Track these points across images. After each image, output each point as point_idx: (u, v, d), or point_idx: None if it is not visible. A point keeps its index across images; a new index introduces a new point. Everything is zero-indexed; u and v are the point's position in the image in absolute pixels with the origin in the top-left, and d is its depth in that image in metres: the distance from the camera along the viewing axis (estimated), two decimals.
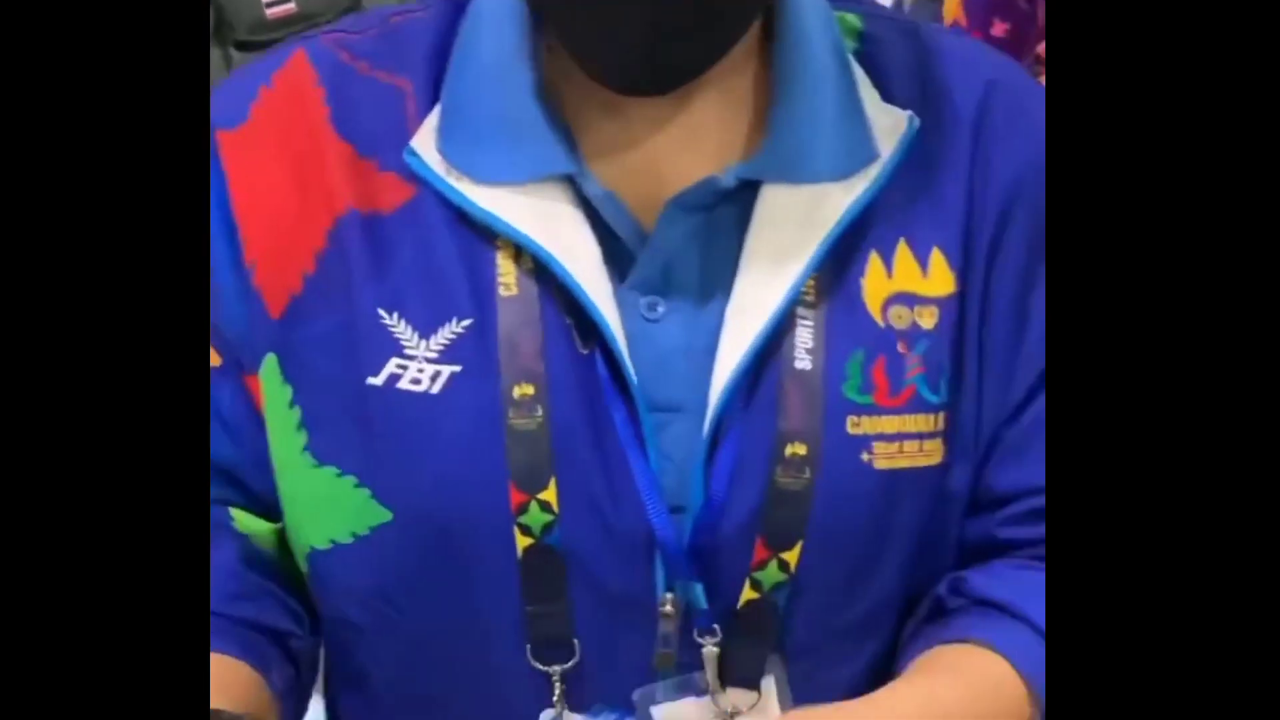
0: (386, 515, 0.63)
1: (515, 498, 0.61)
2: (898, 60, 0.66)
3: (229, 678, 0.62)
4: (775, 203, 0.62)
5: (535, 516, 0.61)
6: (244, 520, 0.66)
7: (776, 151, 0.62)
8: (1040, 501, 0.64)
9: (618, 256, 0.62)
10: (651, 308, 0.62)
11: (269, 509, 0.66)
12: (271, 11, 1.56)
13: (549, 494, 0.61)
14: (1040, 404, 0.64)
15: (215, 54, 1.59)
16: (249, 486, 0.65)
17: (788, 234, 0.61)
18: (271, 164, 0.63)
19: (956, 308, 0.63)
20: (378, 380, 0.61)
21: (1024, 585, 0.63)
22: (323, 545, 0.64)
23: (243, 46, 1.57)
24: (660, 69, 0.58)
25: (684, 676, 0.63)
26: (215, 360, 0.64)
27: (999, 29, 2.72)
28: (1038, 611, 0.61)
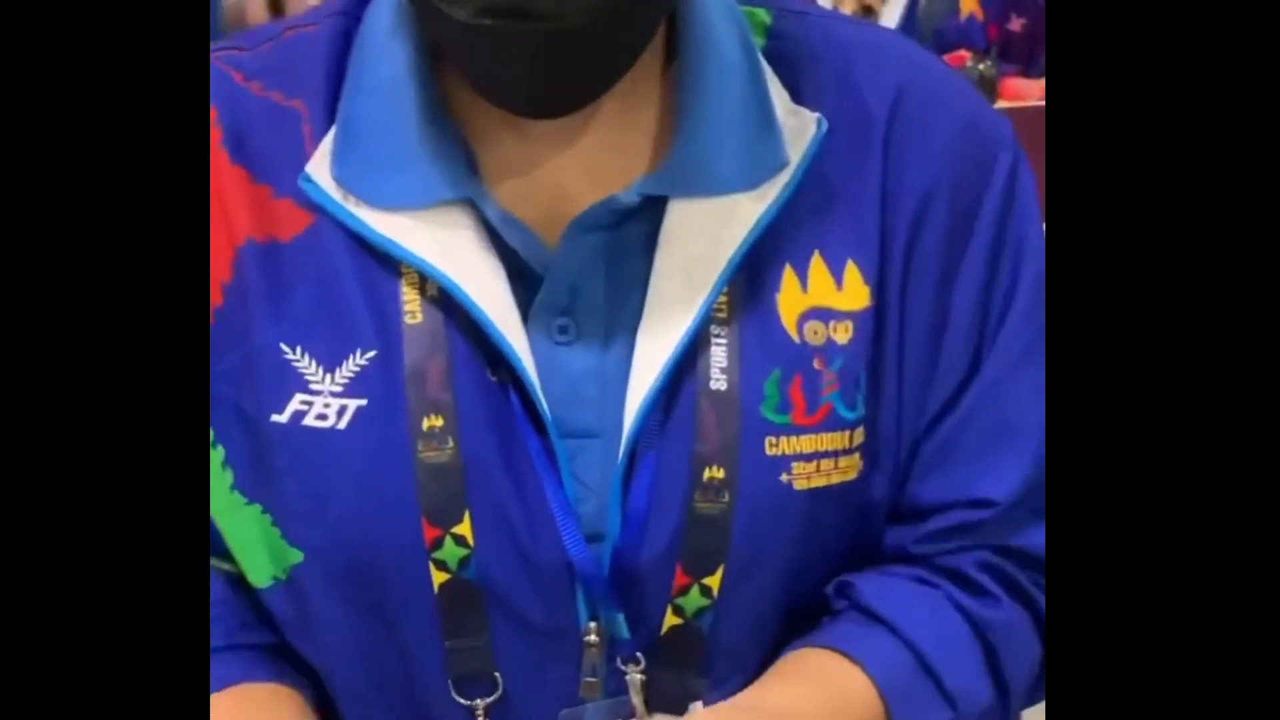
0: (298, 556, 0.61)
1: (429, 533, 0.59)
2: (809, 60, 0.64)
3: (272, 702, 0.61)
4: (682, 217, 0.60)
5: (450, 551, 0.59)
6: (217, 565, 0.65)
7: (681, 164, 0.60)
8: (953, 518, 0.63)
9: (524, 280, 0.60)
10: (561, 331, 0.60)
11: (225, 551, 0.64)
12: None
13: (463, 528, 0.59)
14: (959, 412, 0.63)
15: None
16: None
17: (697, 249, 0.60)
18: None
19: (872, 321, 0.62)
20: (282, 417, 0.60)
21: (906, 598, 0.62)
22: (265, 584, 0.63)
23: None
24: (552, 96, 0.56)
25: (612, 700, 0.62)
26: None
27: (1016, 24, 2.70)
28: (913, 627, 0.61)
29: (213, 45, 0.65)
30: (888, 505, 0.65)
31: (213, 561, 0.65)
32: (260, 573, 0.63)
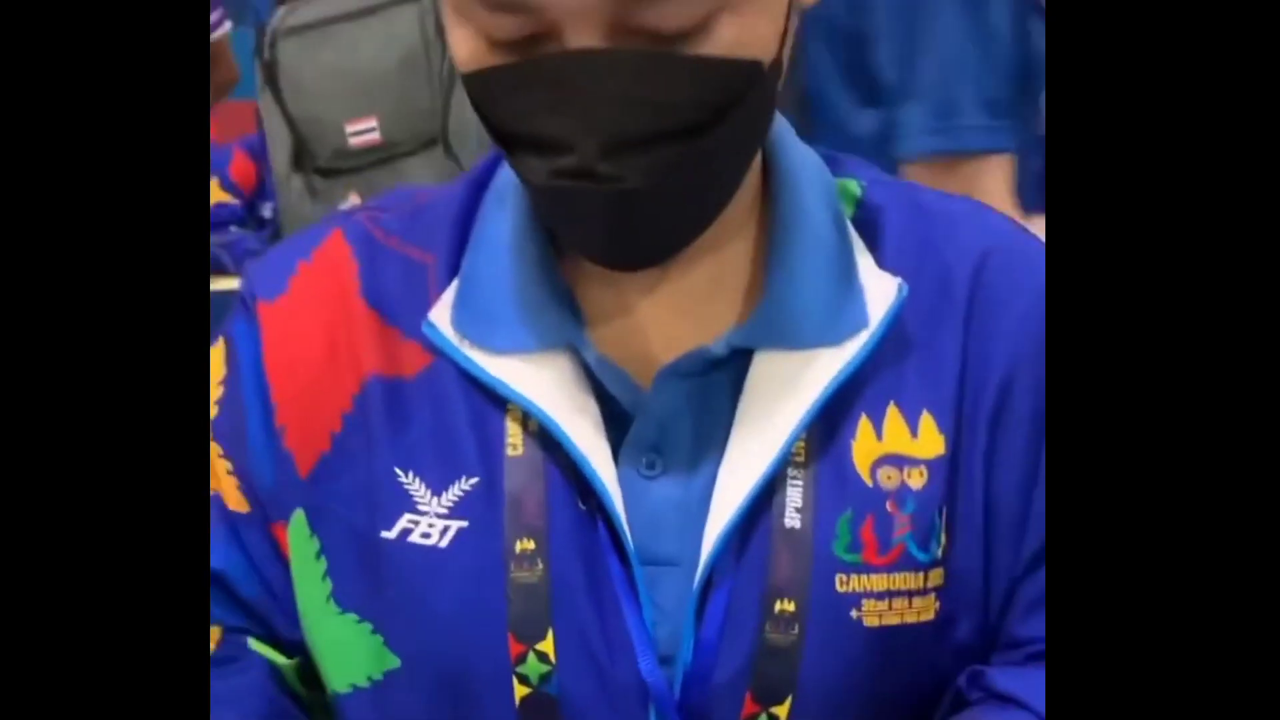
0: (395, 661, 0.66)
1: (514, 648, 0.63)
2: (895, 227, 0.68)
3: None
4: (766, 368, 0.64)
5: (533, 666, 0.63)
6: (262, 649, 0.70)
7: (769, 319, 0.65)
8: None
9: (617, 416, 0.65)
10: (649, 466, 0.65)
11: (288, 647, 0.70)
12: (355, 140, 1.63)
13: (547, 645, 0.63)
14: None
15: (297, 180, 1.66)
16: (271, 625, 0.70)
17: (778, 398, 0.64)
18: (305, 334, 0.68)
19: (946, 469, 0.65)
20: (391, 534, 0.66)
21: (1040, 682, 0.63)
22: (344, 689, 0.68)
23: (324, 173, 1.64)
24: (627, 251, 0.61)
25: None
26: (244, 507, 0.69)
27: None
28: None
29: (359, 207, 0.74)
30: (972, 652, 0.66)
31: (262, 651, 0.70)
32: (340, 678, 0.68)
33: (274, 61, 1.64)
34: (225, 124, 3.33)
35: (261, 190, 2.60)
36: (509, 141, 0.59)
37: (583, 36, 0.54)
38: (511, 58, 0.56)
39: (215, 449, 0.70)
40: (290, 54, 1.63)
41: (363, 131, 1.62)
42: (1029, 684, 0.64)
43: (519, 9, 0.54)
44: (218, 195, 2.62)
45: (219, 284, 2.61)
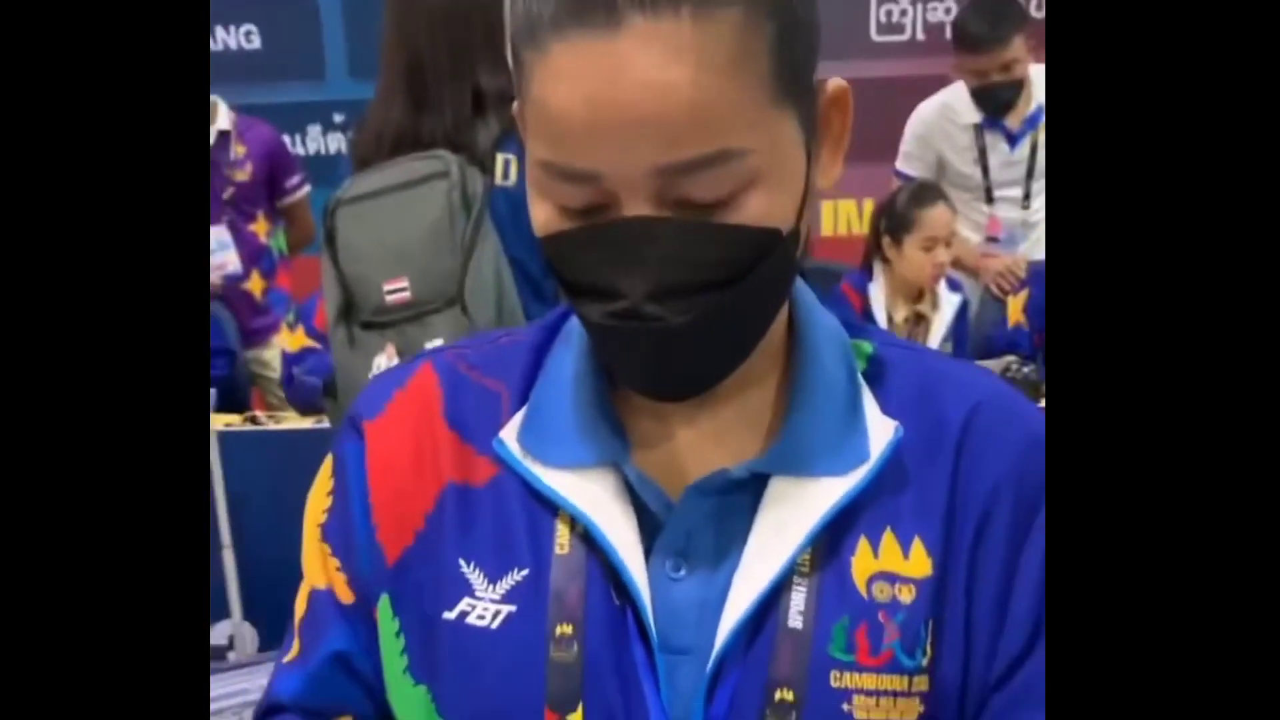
0: None
1: (549, 718, 0.73)
2: (900, 379, 0.80)
3: None
4: (780, 490, 0.75)
5: None
6: None
7: (784, 451, 0.76)
8: None
9: (651, 525, 0.76)
10: (675, 568, 0.75)
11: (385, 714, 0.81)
12: (390, 298, 1.78)
13: (576, 717, 0.73)
14: (1023, 673, 0.74)
15: (341, 332, 1.81)
16: (375, 694, 0.81)
17: (789, 516, 0.75)
18: (397, 446, 0.81)
19: (933, 588, 0.74)
20: (451, 615, 0.77)
21: None
22: None
23: (365, 326, 1.80)
24: (668, 383, 0.72)
25: None
26: (351, 598, 0.81)
27: None
28: None
29: (446, 347, 0.87)
30: None
31: None
32: None
33: (333, 226, 1.81)
34: (300, 277, 3.53)
35: None
36: (574, 290, 0.71)
37: (636, 205, 0.66)
38: (579, 223, 0.69)
39: (325, 549, 0.82)
40: (346, 220, 1.80)
41: (397, 290, 1.78)
42: None
43: (584, 179, 0.66)
44: (302, 341, 2.79)
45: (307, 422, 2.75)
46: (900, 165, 3.47)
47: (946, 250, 2.96)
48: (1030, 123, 3.27)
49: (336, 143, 4.73)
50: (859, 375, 0.79)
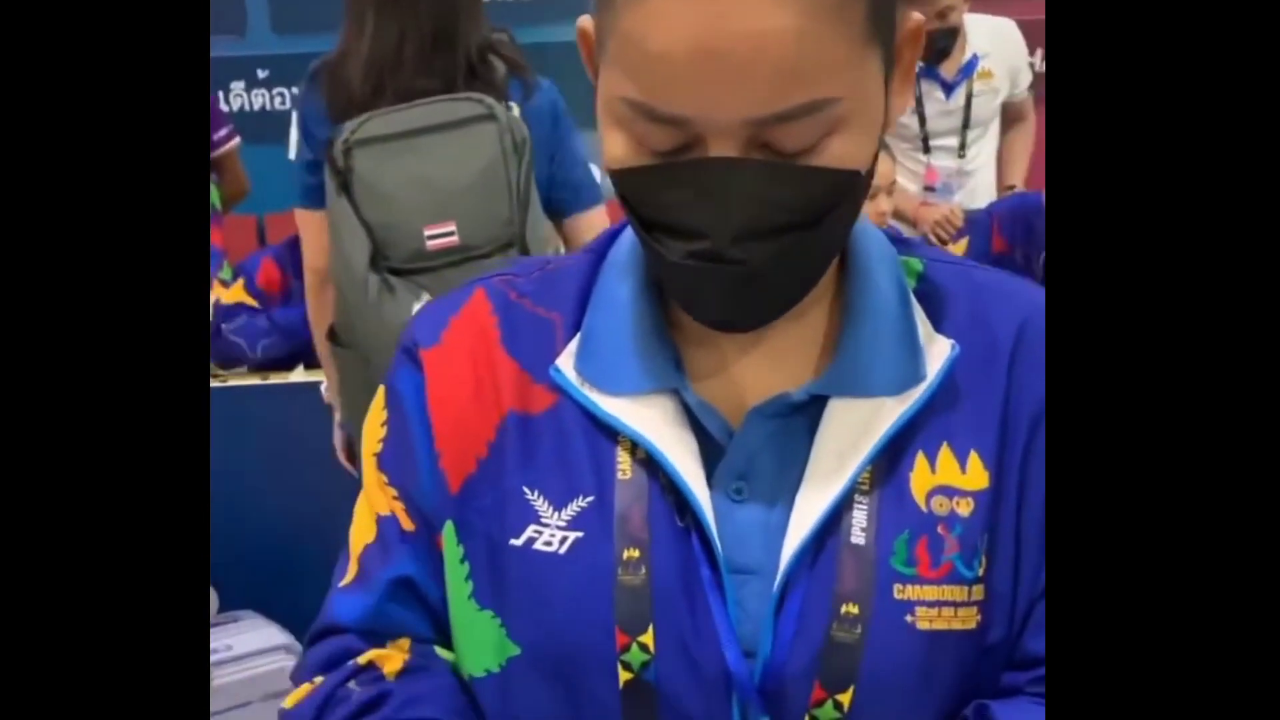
0: (516, 649, 0.78)
1: (620, 639, 0.75)
2: (950, 297, 0.81)
3: None
4: (839, 412, 0.77)
5: (635, 655, 0.75)
6: (446, 655, 0.83)
7: (842, 372, 0.77)
8: None
9: (710, 449, 0.78)
10: (737, 491, 0.77)
11: (446, 637, 0.83)
12: (433, 244, 1.75)
13: (647, 638, 0.75)
14: None
15: (374, 279, 1.76)
16: (439, 617, 0.83)
17: (848, 437, 0.76)
18: (457, 374, 0.81)
19: (990, 499, 0.77)
20: (518, 542, 0.78)
21: (1035, 715, 0.74)
22: (479, 674, 0.80)
23: (398, 273, 1.75)
24: (738, 319, 0.74)
25: None
26: (411, 526, 0.82)
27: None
28: None
29: (493, 273, 0.87)
30: (1003, 655, 0.78)
31: (448, 655, 0.83)
32: (476, 664, 0.80)
33: (349, 170, 1.76)
34: (233, 235, 3.48)
35: (287, 298, 2.72)
36: (651, 225, 0.71)
37: (722, 147, 0.67)
38: (659, 159, 0.69)
39: (381, 478, 0.83)
40: (370, 162, 1.76)
41: (441, 235, 1.75)
42: (1024, 716, 0.75)
43: (678, 123, 0.67)
44: (239, 296, 2.74)
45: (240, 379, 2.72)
46: None
47: (888, 199, 3.00)
48: (965, 72, 3.31)
49: (261, 99, 4.65)
50: (910, 294, 0.81)
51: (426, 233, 1.75)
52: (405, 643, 0.83)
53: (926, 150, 3.34)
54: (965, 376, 0.78)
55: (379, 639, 0.83)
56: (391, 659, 0.82)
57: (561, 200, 2.09)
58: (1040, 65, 4.03)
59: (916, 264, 0.83)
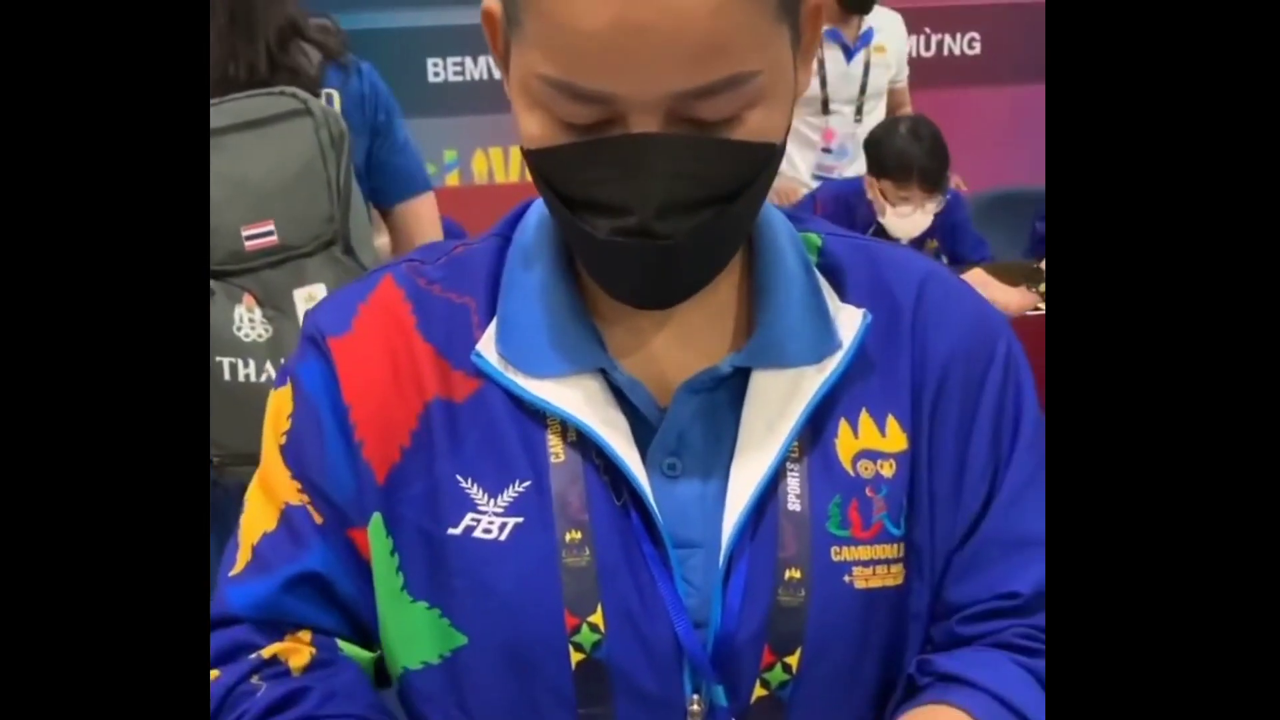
0: (463, 639, 0.78)
1: (569, 621, 0.75)
2: (850, 268, 0.84)
3: None
4: (763, 384, 0.79)
5: (586, 636, 0.75)
6: (349, 649, 0.81)
7: (763, 345, 0.79)
8: (990, 605, 0.80)
9: (640, 429, 0.78)
10: (671, 468, 0.78)
11: (368, 640, 0.81)
12: (251, 244, 1.69)
13: (597, 618, 0.76)
14: (982, 531, 0.81)
15: None
16: (362, 620, 0.81)
17: (775, 408, 0.78)
18: (373, 362, 0.80)
19: (909, 460, 0.80)
20: (456, 530, 0.77)
21: (978, 660, 0.78)
22: (415, 666, 0.79)
23: (214, 275, 1.68)
24: (660, 294, 0.74)
25: None
26: (318, 519, 0.80)
27: None
28: (990, 679, 0.76)
29: (398, 260, 0.86)
30: (924, 615, 0.81)
31: (349, 651, 0.82)
32: (411, 657, 0.80)
33: None
34: None
35: None
36: (573, 204, 0.71)
37: (644, 123, 0.68)
38: (579, 137, 0.69)
39: (286, 472, 0.81)
40: None
41: (259, 235, 1.69)
42: (967, 663, 0.79)
43: (600, 100, 0.67)
44: None
45: None
46: None
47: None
48: (864, 39, 3.48)
49: None
50: (814, 267, 0.83)
51: (244, 233, 1.69)
52: (306, 635, 0.81)
53: (826, 111, 3.46)
54: (874, 343, 0.81)
55: (276, 630, 0.81)
56: (297, 653, 0.80)
57: (386, 188, 2.05)
58: (918, 52, 4.20)
59: (815, 238, 0.85)
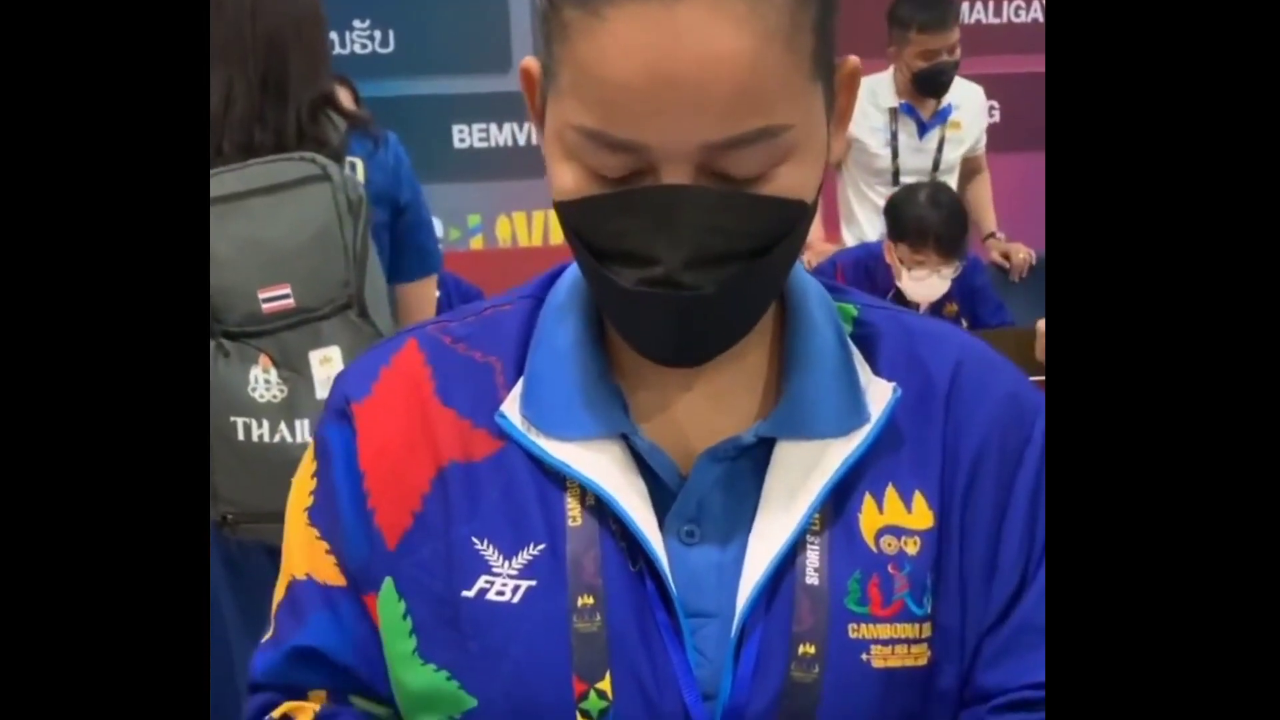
0: (472, 702, 0.76)
1: (578, 687, 0.74)
2: (886, 341, 0.83)
3: None
4: (787, 454, 0.78)
5: (594, 702, 0.74)
6: (361, 704, 0.80)
7: (789, 414, 0.78)
8: (1021, 694, 0.77)
9: (660, 494, 0.77)
10: (689, 535, 0.77)
11: (382, 699, 0.80)
12: (268, 306, 1.71)
13: (605, 684, 0.74)
14: (1014, 618, 0.78)
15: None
16: (371, 684, 0.80)
17: (798, 478, 0.77)
18: (389, 428, 0.80)
19: (936, 538, 0.78)
20: (470, 593, 0.76)
21: None
22: None
23: (231, 336, 1.71)
24: (690, 350, 0.73)
25: None
26: (340, 581, 0.80)
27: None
28: None
29: (427, 321, 0.86)
30: (953, 695, 0.79)
31: (364, 704, 0.82)
32: (425, 718, 0.78)
33: None
34: None
35: None
36: (602, 255, 0.71)
37: (675, 174, 0.68)
38: (610, 189, 0.70)
39: (313, 533, 0.81)
40: None
41: (276, 298, 1.71)
42: None
43: (633, 149, 0.68)
44: None
45: None
46: None
47: (808, 250, 3.13)
48: (940, 116, 3.54)
49: None
50: (848, 338, 0.82)
51: (261, 295, 1.71)
52: (322, 694, 0.82)
53: (896, 183, 3.49)
54: (905, 418, 0.80)
55: (293, 694, 0.82)
56: (303, 710, 0.81)
57: (404, 264, 2.08)
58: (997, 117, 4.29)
59: (851, 309, 0.84)
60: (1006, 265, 3.68)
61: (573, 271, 0.82)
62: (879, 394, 0.79)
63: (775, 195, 0.69)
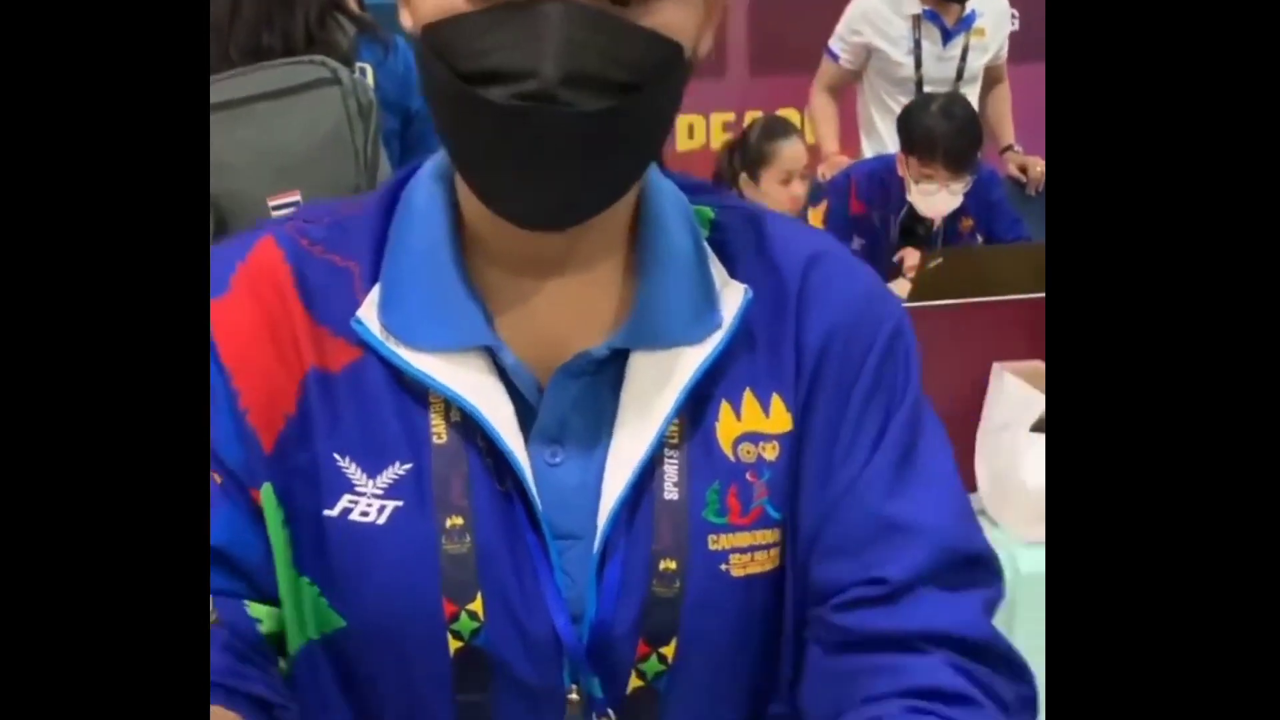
0: (341, 622, 0.77)
1: (448, 609, 0.75)
2: (742, 243, 0.81)
3: None
4: (641, 366, 0.77)
5: (465, 624, 0.75)
6: (254, 608, 0.77)
7: (640, 325, 0.77)
8: (857, 592, 0.75)
9: (525, 412, 0.77)
10: (553, 455, 0.77)
11: (271, 598, 0.78)
12: (278, 214, 1.62)
13: (476, 605, 0.75)
14: (843, 513, 0.77)
15: None
16: (255, 580, 0.77)
17: (652, 390, 0.76)
18: (252, 325, 0.76)
19: (794, 441, 0.78)
20: (333, 512, 0.76)
21: None
22: (301, 642, 0.78)
23: None
24: (557, 209, 0.71)
25: None
26: (216, 479, 0.75)
27: (856, 244, 3.12)
28: None
29: (280, 220, 0.83)
30: (793, 584, 0.78)
31: (254, 610, 0.77)
32: (299, 634, 0.78)
33: None
34: None
35: None
36: (472, 78, 0.67)
37: None
38: (479, 7, 0.67)
39: None
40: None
41: (286, 205, 1.68)
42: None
43: None
44: None
45: None
46: (832, 43, 3.59)
47: (801, 183, 3.09)
48: (964, 23, 3.42)
49: None
50: (704, 242, 0.81)
51: (271, 203, 1.68)
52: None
53: (920, 92, 3.39)
54: (760, 321, 0.79)
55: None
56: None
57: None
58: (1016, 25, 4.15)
59: (708, 212, 0.83)
60: (1024, 179, 3.55)
61: (426, 172, 0.80)
62: (732, 297, 0.78)
63: (651, 28, 0.69)
